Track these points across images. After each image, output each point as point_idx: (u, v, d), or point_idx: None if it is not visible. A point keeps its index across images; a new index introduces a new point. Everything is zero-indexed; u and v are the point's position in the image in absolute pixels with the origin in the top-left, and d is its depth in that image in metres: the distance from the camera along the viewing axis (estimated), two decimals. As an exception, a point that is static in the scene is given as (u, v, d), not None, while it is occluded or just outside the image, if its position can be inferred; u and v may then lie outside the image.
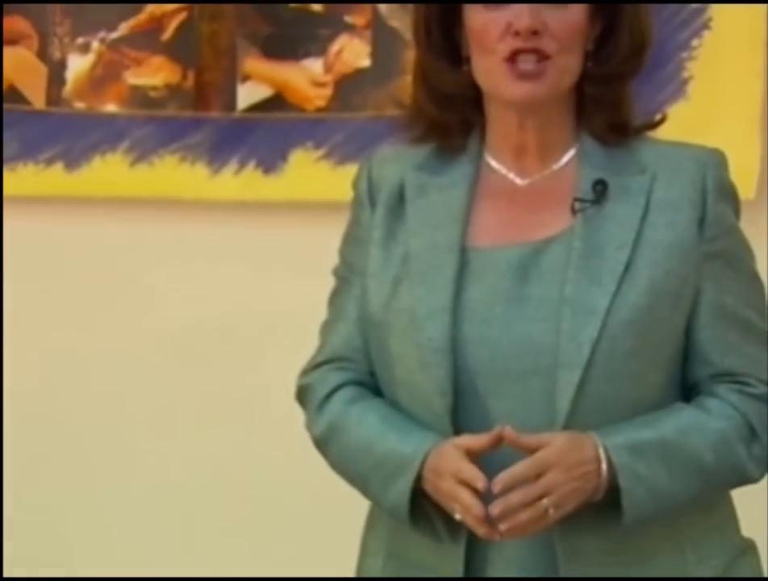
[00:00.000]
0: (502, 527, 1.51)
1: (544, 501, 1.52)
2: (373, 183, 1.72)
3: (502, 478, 1.50)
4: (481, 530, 1.53)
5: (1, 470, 2.87)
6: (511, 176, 1.68)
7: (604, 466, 1.55)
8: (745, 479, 1.65)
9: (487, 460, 1.54)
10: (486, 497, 1.51)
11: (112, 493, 2.87)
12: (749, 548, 1.72)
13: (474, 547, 1.61)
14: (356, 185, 1.73)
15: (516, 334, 1.61)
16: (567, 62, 1.62)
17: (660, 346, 1.62)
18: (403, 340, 1.64)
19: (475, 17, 1.63)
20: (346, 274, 1.72)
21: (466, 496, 1.52)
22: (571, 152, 1.67)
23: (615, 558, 1.61)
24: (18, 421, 2.85)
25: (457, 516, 1.53)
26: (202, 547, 2.85)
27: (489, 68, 1.62)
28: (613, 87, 1.66)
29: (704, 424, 1.62)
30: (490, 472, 1.53)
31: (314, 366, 1.73)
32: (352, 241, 1.72)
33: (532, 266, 1.63)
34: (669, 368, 1.64)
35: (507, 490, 1.51)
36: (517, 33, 1.60)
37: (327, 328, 1.74)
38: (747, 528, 1.77)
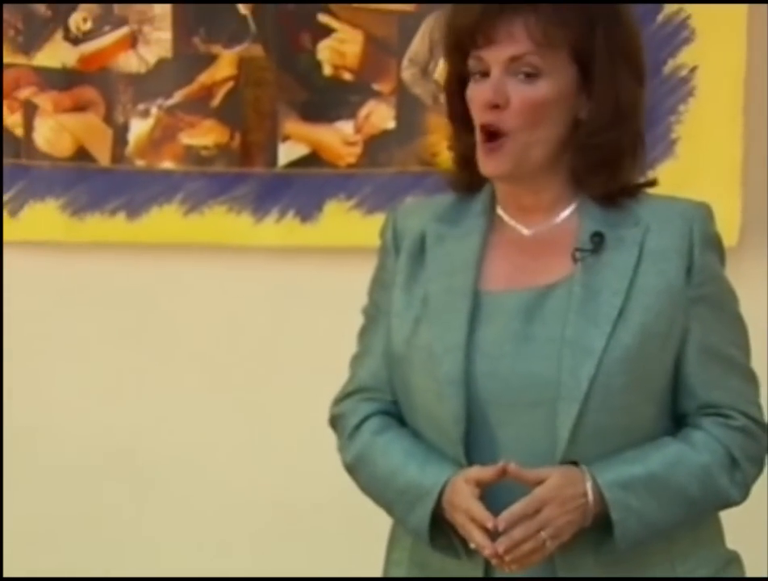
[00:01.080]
0: (507, 559, 1.55)
1: (542, 534, 1.55)
2: (398, 232, 1.72)
3: (505, 516, 1.53)
4: (493, 562, 1.57)
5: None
6: (519, 227, 1.68)
7: (591, 499, 1.57)
8: (728, 504, 1.66)
9: (495, 489, 1.58)
10: (494, 533, 1.55)
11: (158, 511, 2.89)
12: (733, 560, 1.73)
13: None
14: (382, 234, 1.74)
15: (523, 369, 1.61)
16: (532, 136, 1.61)
17: (650, 381, 1.62)
18: (422, 374, 1.65)
19: (469, 88, 1.64)
20: (373, 313, 1.73)
21: (478, 536, 1.55)
22: (571, 207, 1.67)
23: (609, 569, 1.62)
24: (86, 441, 2.86)
25: (472, 546, 1.57)
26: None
27: (478, 140, 1.64)
28: (601, 153, 1.63)
29: (689, 458, 1.62)
30: (496, 499, 1.57)
31: (345, 396, 1.75)
32: (378, 284, 1.73)
33: (537, 309, 1.63)
34: (660, 400, 1.64)
35: (510, 527, 1.54)
36: (483, 105, 1.61)
37: (356, 362, 1.75)
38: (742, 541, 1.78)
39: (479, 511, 1.56)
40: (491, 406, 1.62)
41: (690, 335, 1.63)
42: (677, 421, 1.67)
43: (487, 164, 1.62)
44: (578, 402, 1.58)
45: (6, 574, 2.78)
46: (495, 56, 1.60)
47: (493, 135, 1.61)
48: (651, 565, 1.63)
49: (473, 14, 1.61)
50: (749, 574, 2.39)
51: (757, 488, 2.49)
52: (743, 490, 1.65)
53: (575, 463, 1.58)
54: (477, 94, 1.61)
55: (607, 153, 1.63)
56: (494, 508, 1.56)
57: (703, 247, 1.63)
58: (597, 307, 1.60)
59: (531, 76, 1.60)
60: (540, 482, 1.56)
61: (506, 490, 1.56)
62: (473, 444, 1.62)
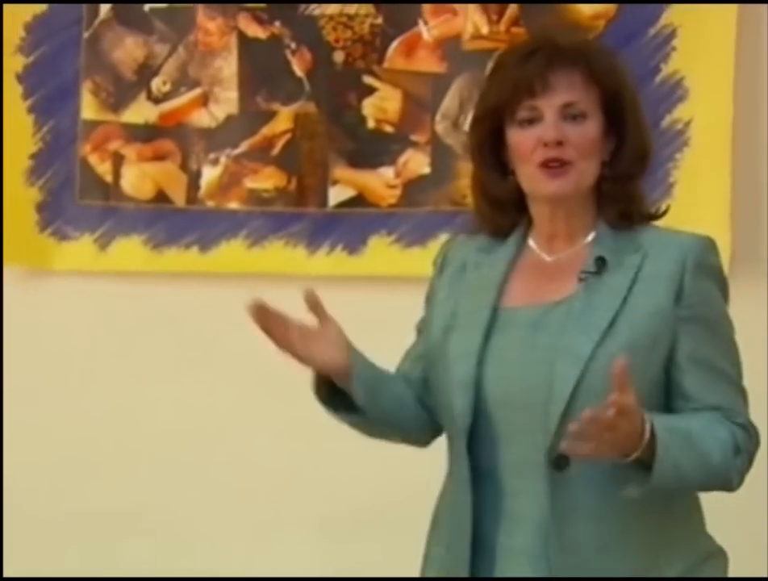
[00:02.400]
0: (572, 444, 1.51)
1: (606, 435, 1.51)
2: (446, 259, 1.78)
3: (587, 412, 1.48)
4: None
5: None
6: (543, 254, 1.72)
7: (647, 436, 1.54)
8: (728, 486, 1.65)
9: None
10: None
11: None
12: (715, 554, 1.72)
13: (487, 539, 1.65)
14: (435, 260, 1.80)
15: (524, 374, 1.64)
16: (585, 166, 1.66)
17: (634, 388, 1.56)
18: (444, 374, 1.69)
19: (514, 135, 1.68)
20: (421, 325, 1.79)
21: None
22: (591, 236, 1.70)
23: (603, 557, 1.62)
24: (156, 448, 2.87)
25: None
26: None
27: (528, 174, 1.67)
28: (623, 186, 1.68)
29: (717, 430, 1.62)
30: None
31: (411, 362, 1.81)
32: (427, 300, 1.79)
33: (542, 321, 1.66)
34: (644, 406, 1.58)
35: (587, 422, 1.48)
36: (546, 144, 1.64)
37: (401, 360, 1.81)
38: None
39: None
40: (495, 405, 1.65)
41: (682, 349, 1.64)
42: None
43: (551, 185, 1.66)
44: (563, 402, 1.60)
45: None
46: (550, 103, 1.65)
47: (556, 163, 1.65)
48: (637, 551, 1.63)
49: (530, 68, 1.66)
50: (748, 574, 2.42)
51: (757, 489, 2.49)
52: (740, 477, 1.65)
53: (567, 462, 1.58)
54: (533, 136, 1.66)
55: (627, 187, 1.69)
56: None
57: (695, 273, 1.64)
58: (591, 320, 1.62)
59: (579, 117, 1.66)
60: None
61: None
62: (478, 436, 1.66)
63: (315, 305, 1.70)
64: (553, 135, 1.64)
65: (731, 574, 2.37)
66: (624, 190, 1.68)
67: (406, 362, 1.80)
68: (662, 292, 1.64)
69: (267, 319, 1.70)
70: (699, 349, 1.64)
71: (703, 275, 1.65)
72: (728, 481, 1.65)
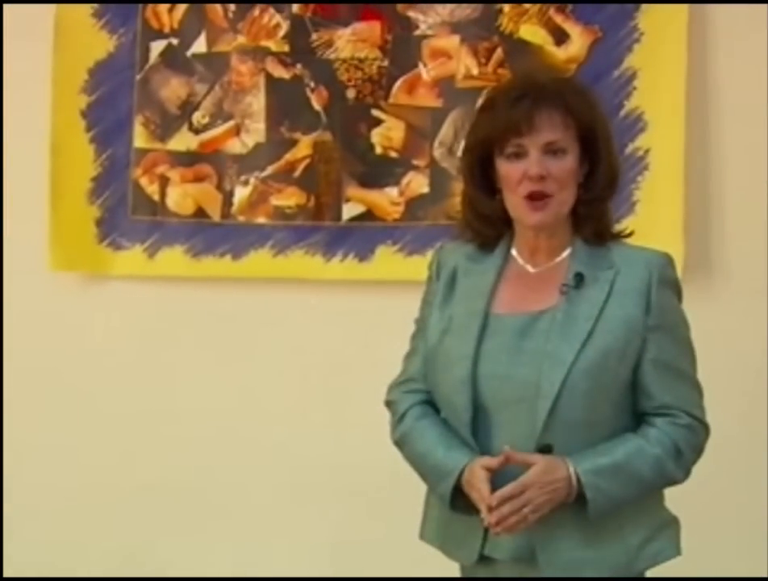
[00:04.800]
0: (498, 529, 1.58)
1: (525, 510, 1.58)
2: (440, 265, 1.78)
3: (496, 496, 1.57)
4: (491, 529, 1.59)
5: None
6: (527, 266, 1.72)
7: (574, 482, 1.59)
8: (674, 483, 1.68)
9: (501, 472, 1.60)
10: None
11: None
12: (668, 522, 1.71)
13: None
14: (430, 266, 1.80)
15: (513, 374, 1.64)
16: (564, 196, 1.66)
17: (609, 387, 1.63)
18: (444, 373, 1.70)
19: (502, 166, 1.68)
20: (420, 324, 1.79)
21: (483, 511, 1.59)
22: (568, 251, 1.70)
23: (582, 535, 1.61)
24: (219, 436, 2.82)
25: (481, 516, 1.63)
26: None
27: (514, 204, 1.68)
28: (596, 207, 1.68)
29: (645, 450, 1.63)
30: (503, 478, 1.58)
31: (397, 384, 1.80)
32: (425, 302, 1.79)
33: (529, 329, 1.66)
34: (617, 402, 1.65)
35: (500, 504, 1.57)
36: (530, 178, 1.64)
37: (407, 358, 1.80)
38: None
39: (485, 492, 1.60)
40: (490, 400, 1.66)
41: (647, 353, 1.65)
42: (637, 418, 1.68)
43: (534, 217, 1.66)
44: (550, 400, 1.61)
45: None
46: (534, 141, 1.65)
47: (539, 197, 1.65)
48: (605, 528, 1.63)
49: (518, 110, 1.64)
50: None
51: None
52: (686, 472, 1.68)
53: (550, 449, 1.60)
54: (519, 170, 1.65)
55: (598, 207, 1.69)
56: (500, 485, 1.58)
57: (658, 287, 1.65)
58: (572, 330, 1.63)
59: (559, 153, 1.65)
60: (529, 466, 1.58)
61: (510, 472, 1.59)
62: (478, 427, 1.66)
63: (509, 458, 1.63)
64: (537, 171, 1.65)
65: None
66: (596, 210, 1.68)
67: (417, 359, 1.77)
68: (633, 304, 1.65)
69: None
70: (661, 353, 1.66)
71: (665, 288, 1.67)
72: (671, 481, 1.68)
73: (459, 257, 1.75)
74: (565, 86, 1.70)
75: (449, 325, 1.70)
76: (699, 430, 1.68)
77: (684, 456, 1.66)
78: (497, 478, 1.60)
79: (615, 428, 1.65)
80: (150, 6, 2.87)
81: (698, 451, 1.69)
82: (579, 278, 1.65)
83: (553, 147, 1.65)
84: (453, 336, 1.69)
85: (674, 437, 1.65)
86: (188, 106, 2.87)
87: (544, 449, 1.61)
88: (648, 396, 1.65)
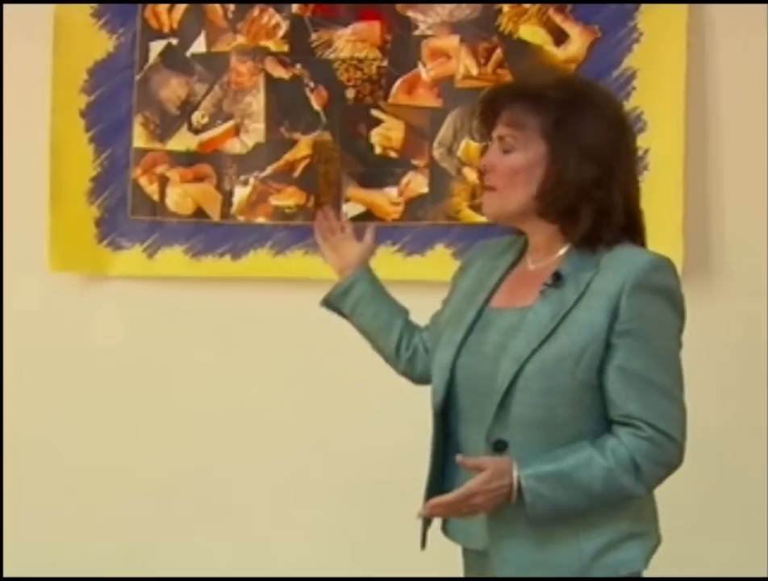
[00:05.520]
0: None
1: (464, 511, 1.57)
2: (465, 263, 1.83)
3: (439, 503, 1.56)
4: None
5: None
6: (529, 263, 1.71)
7: (515, 487, 1.56)
8: (632, 496, 1.60)
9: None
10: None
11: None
12: (634, 536, 1.62)
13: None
14: (465, 257, 1.85)
15: (477, 367, 1.66)
16: (513, 193, 1.63)
17: (566, 389, 1.58)
18: (434, 356, 1.74)
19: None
20: (443, 306, 1.83)
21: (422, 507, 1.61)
22: (563, 250, 1.66)
23: (536, 536, 1.60)
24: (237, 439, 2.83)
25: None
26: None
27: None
28: (560, 215, 1.62)
29: (596, 462, 1.57)
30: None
31: (423, 328, 1.90)
32: (451, 286, 1.82)
33: (507, 324, 1.64)
34: (576, 405, 1.59)
35: (435, 512, 1.59)
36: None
37: (431, 318, 1.86)
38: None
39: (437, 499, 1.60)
40: (461, 390, 1.68)
41: (613, 360, 1.58)
42: (609, 424, 1.61)
43: (484, 208, 1.70)
44: (499, 396, 1.60)
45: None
46: (494, 134, 1.68)
47: (485, 188, 1.68)
48: (559, 533, 1.59)
49: (485, 104, 1.69)
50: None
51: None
52: (645, 486, 1.60)
53: (505, 445, 1.59)
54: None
55: (564, 215, 1.63)
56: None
57: (633, 292, 1.56)
58: (536, 328, 1.60)
59: (507, 150, 1.65)
60: (479, 471, 1.56)
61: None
62: (449, 414, 1.68)
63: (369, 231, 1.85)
64: (480, 162, 1.70)
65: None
66: (563, 217, 1.62)
67: (430, 326, 1.85)
68: (599, 308, 1.59)
69: (326, 219, 1.91)
70: (629, 361, 1.58)
71: (643, 293, 1.57)
72: (627, 495, 1.60)
73: (484, 259, 1.77)
74: (552, 90, 1.63)
75: (452, 315, 1.74)
76: (662, 444, 1.58)
77: (642, 470, 1.58)
78: (462, 475, 1.60)
79: (579, 431, 1.60)
80: (149, 6, 2.88)
81: (662, 465, 1.60)
82: (557, 278, 1.62)
83: (504, 143, 1.65)
84: (451, 324, 1.72)
85: (632, 450, 1.58)
86: (187, 106, 2.89)
87: (498, 445, 1.60)
88: (611, 403, 1.60)
